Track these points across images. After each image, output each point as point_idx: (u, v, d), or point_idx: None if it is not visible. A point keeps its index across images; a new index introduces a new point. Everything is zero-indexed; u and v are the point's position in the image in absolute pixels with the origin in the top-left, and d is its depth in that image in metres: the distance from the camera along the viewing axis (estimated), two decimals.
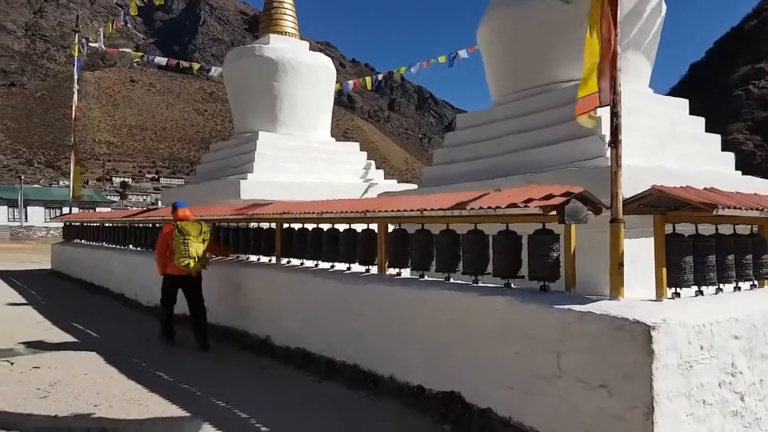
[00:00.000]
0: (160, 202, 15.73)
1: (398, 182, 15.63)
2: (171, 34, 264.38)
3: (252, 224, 8.35)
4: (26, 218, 62.10)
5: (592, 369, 3.57)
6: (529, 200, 3.76)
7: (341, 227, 6.50)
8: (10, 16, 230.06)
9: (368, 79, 20.13)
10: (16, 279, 15.21)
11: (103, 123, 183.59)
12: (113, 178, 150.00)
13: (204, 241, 7.38)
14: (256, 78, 14.85)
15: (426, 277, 5.19)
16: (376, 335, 5.32)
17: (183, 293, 7.55)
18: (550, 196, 3.74)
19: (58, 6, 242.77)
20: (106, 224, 13.78)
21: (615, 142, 3.83)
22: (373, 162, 15.97)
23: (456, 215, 4.36)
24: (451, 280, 4.81)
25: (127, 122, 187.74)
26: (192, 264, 7.18)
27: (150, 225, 11.20)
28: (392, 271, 5.67)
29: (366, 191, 14.54)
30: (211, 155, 16.46)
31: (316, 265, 6.85)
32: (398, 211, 5.15)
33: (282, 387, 5.68)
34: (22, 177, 76.06)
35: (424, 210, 4.65)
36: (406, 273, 5.67)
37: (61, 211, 51.82)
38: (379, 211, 5.44)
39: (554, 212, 3.70)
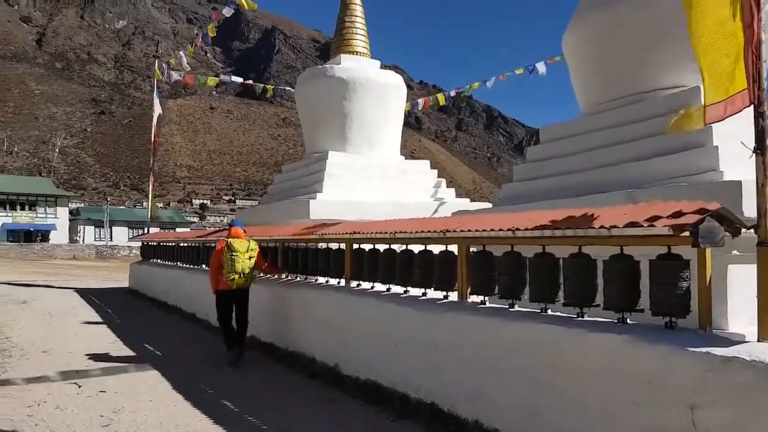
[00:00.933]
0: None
1: (470, 201, 15.00)
2: (248, 62, 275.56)
3: (321, 245, 7.99)
4: (111, 238, 65.56)
5: (740, 428, 2.84)
6: (655, 218, 3.09)
7: (415, 248, 5.98)
8: (101, 49, 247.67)
9: (440, 96, 19.70)
10: (95, 297, 15.61)
11: (184, 148, 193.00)
12: (193, 200, 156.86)
13: (251, 258, 7.55)
14: (326, 98, 14.71)
15: (517, 307, 4.55)
16: (458, 372, 4.72)
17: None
18: (679, 214, 3.06)
19: (144, 38, 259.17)
20: (181, 244, 13.89)
21: (762, 148, 3.12)
22: (443, 180, 15.43)
23: (558, 236, 3.72)
24: (549, 311, 4.15)
25: (206, 147, 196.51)
26: (236, 279, 7.39)
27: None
28: (475, 298, 5.08)
29: (437, 210, 14.00)
30: (282, 176, 16.45)
31: (388, 289, 6.35)
32: (483, 230, 4.56)
33: (352, 425, 5.16)
34: (109, 199, 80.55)
35: (517, 229, 4.05)
36: (486, 301, 5.05)
37: (143, 231, 54.38)
38: (461, 230, 4.88)
39: (686, 233, 3.01)
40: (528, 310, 4.36)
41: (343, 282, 7.23)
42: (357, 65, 15.05)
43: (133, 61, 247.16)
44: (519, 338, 4.12)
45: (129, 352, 8.26)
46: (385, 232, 5.87)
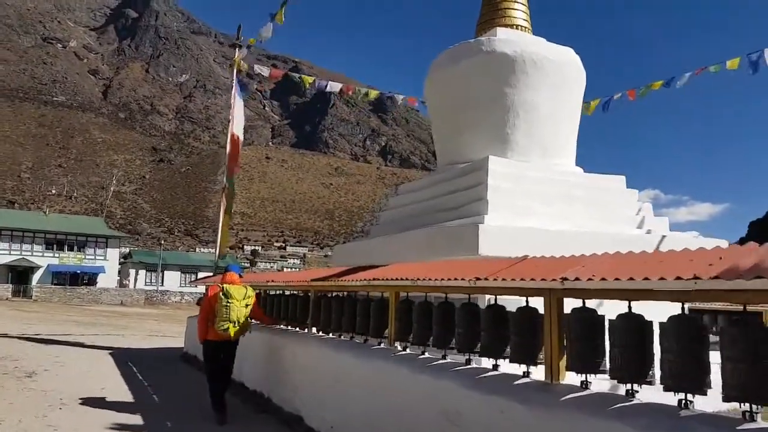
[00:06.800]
0: (331, 261, 11.28)
1: (696, 236, 9.91)
2: (303, 115, 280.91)
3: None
4: (162, 282, 62.17)
5: None
6: None
7: None
8: (164, 101, 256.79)
9: (594, 102, 14.80)
10: (136, 367, 10.89)
11: (239, 196, 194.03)
12: (245, 246, 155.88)
13: (247, 306, 6.92)
14: (481, 82, 10.04)
15: None
16: None
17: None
18: None
19: (205, 92, 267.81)
20: (270, 292, 9.22)
21: None
22: (649, 204, 10.39)
23: None
24: None
25: (260, 195, 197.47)
26: (231, 328, 6.72)
27: (347, 294, 6.32)
28: None
29: (658, 246, 9.00)
30: (402, 198, 11.70)
31: None
32: None
33: None
34: (162, 243, 78.26)
35: None
36: None
37: (197, 276, 50.24)
38: None
39: None
40: None
41: None
42: (522, 39, 10.45)
43: (194, 112, 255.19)
44: None
45: None
46: None
